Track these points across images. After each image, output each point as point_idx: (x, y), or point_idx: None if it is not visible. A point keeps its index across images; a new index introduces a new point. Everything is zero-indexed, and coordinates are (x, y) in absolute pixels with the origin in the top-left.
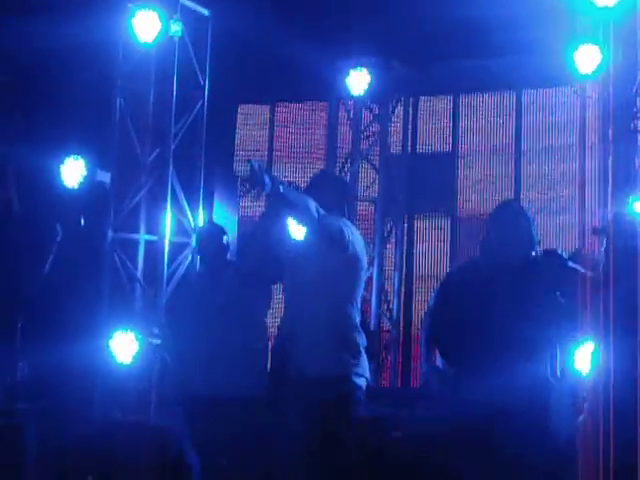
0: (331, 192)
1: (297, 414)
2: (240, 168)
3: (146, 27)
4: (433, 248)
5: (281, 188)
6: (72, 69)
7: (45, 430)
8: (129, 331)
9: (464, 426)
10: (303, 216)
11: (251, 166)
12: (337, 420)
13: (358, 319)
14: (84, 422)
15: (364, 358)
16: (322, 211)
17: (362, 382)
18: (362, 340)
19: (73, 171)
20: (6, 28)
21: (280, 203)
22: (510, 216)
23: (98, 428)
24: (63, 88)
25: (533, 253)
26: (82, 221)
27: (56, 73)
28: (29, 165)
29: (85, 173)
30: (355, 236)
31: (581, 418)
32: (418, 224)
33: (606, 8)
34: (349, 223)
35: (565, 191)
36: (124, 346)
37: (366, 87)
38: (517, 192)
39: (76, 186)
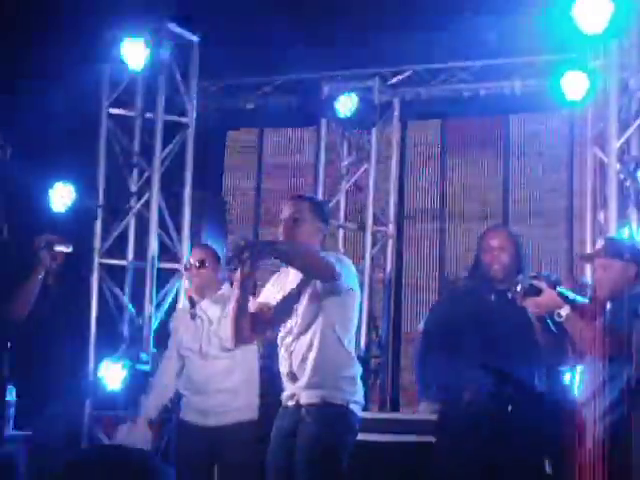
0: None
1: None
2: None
3: (134, 54)
4: (422, 273)
5: (276, 247)
6: (59, 94)
7: (34, 457)
8: (117, 358)
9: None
10: (311, 267)
11: (235, 247)
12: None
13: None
14: (72, 449)
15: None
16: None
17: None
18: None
19: (62, 196)
20: None
21: (282, 260)
22: (498, 240)
23: (84, 454)
24: (50, 113)
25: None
26: (70, 248)
27: (43, 98)
28: (17, 192)
29: (74, 198)
30: (346, 267)
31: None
32: (407, 249)
33: (594, 35)
34: (340, 255)
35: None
36: (112, 373)
37: (354, 110)
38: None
39: (64, 210)
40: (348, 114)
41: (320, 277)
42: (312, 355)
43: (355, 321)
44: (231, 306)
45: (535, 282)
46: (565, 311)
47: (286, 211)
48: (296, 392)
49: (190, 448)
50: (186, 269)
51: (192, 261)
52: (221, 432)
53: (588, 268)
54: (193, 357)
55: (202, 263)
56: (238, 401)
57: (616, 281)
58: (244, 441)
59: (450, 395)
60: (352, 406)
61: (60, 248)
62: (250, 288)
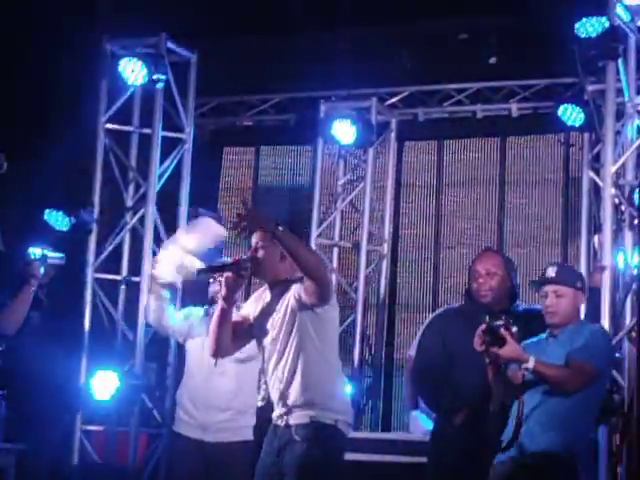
0: None
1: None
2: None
3: (131, 72)
4: (416, 294)
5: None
6: (56, 109)
7: (23, 471)
8: (109, 370)
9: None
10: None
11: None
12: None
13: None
14: (62, 464)
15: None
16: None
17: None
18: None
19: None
20: None
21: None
22: (487, 265)
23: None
24: (47, 126)
25: (517, 302)
26: (63, 260)
27: (40, 112)
28: (12, 204)
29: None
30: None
31: None
32: (401, 270)
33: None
34: None
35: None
36: (103, 385)
37: (351, 137)
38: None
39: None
40: (349, 141)
41: (315, 283)
42: (298, 375)
43: (337, 333)
44: (215, 315)
45: (501, 331)
46: (531, 364)
47: (253, 240)
48: (285, 412)
49: (185, 462)
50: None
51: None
52: (218, 449)
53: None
54: (201, 367)
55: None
56: (241, 420)
57: (568, 308)
58: (239, 460)
59: (442, 417)
60: (341, 425)
61: (53, 261)
62: (234, 299)
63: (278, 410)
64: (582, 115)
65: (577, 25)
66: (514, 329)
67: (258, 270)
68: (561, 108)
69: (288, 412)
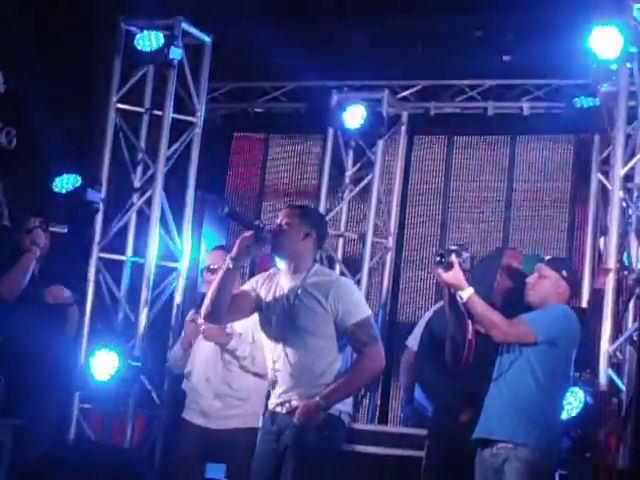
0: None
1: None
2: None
3: (147, 42)
4: (419, 285)
5: None
6: (68, 86)
7: (19, 448)
8: (109, 351)
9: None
10: None
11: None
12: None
13: None
14: (56, 441)
15: None
16: None
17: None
18: None
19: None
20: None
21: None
22: (494, 268)
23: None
24: (57, 104)
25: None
26: (65, 229)
27: (50, 87)
28: (20, 179)
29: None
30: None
31: None
32: (405, 264)
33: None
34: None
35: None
36: (103, 365)
37: (362, 122)
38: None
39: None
40: (356, 125)
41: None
42: (307, 365)
43: None
44: (217, 279)
45: (452, 256)
46: (466, 294)
47: (278, 219)
48: (289, 400)
49: (187, 448)
50: (209, 270)
51: (210, 264)
52: (221, 436)
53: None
54: (205, 354)
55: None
56: (245, 407)
57: (546, 290)
58: (243, 447)
59: (444, 412)
60: (343, 416)
61: (55, 228)
62: (241, 265)
63: (281, 397)
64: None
65: (592, 29)
66: (464, 256)
67: (278, 242)
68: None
69: (292, 399)
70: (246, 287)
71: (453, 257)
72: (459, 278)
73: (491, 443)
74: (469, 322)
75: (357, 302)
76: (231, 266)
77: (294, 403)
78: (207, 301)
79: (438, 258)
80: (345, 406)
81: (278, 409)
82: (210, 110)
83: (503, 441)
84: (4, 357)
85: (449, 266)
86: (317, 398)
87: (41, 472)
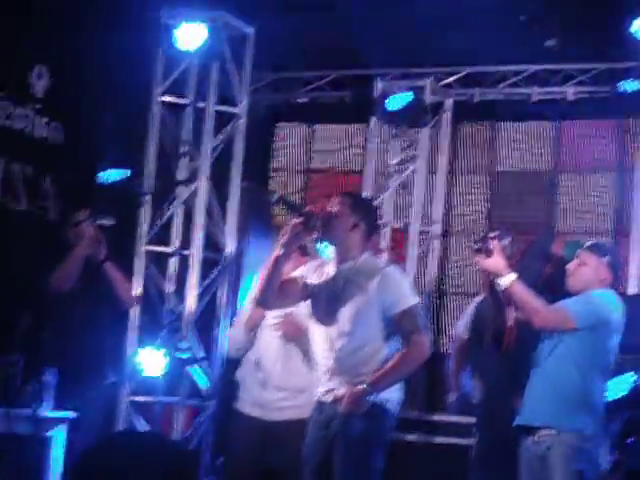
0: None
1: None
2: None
3: (189, 40)
4: (466, 272)
5: None
6: (111, 80)
7: (71, 441)
8: (157, 346)
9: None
10: None
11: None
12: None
13: None
14: (106, 432)
15: None
16: None
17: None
18: None
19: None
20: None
21: None
22: (542, 255)
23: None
24: (102, 97)
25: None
26: (112, 221)
27: (96, 82)
28: (67, 174)
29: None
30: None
31: None
32: (451, 251)
33: None
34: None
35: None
36: (152, 360)
37: (405, 106)
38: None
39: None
40: (397, 107)
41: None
42: (354, 353)
43: None
44: (268, 262)
45: (492, 243)
46: (506, 281)
47: (328, 207)
48: (335, 388)
49: (242, 440)
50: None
51: None
52: (277, 428)
53: None
54: (271, 345)
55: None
56: (300, 398)
57: (586, 277)
58: (299, 439)
59: (495, 401)
60: (389, 405)
61: (102, 221)
62: (291, 252)
63: (326, 385)
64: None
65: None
66: (505, 242)
67: (327, 230)
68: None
69: (338, 388)
70: (296, 274)
71: (493, 243)
72: (499, 264)
73: (533, 430)
74: (510, 309)
75: (403, 290)
76: (280, 252)
77: (340, 392)
78: (257, 287)
79: (478, 245)
80: (391, 394)
81: (325, 398)
82: (254, 101)
83: (545, 427)
84: (57, 348)
85: (489, 253)
86: (363, 385)
87: (89, 463)
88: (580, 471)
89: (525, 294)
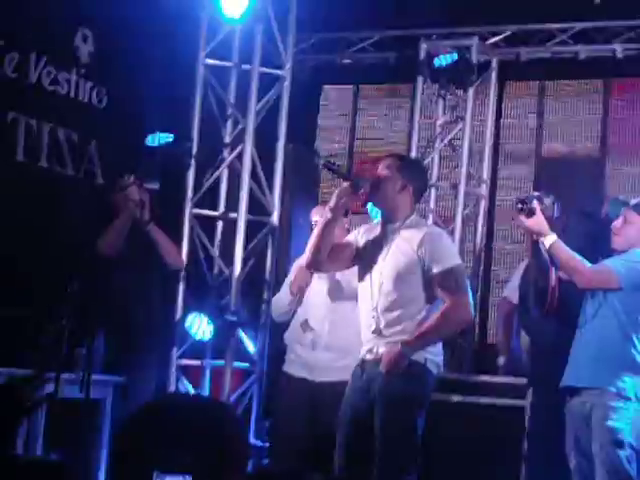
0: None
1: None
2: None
3: (232, 4)
4: (514, 233)
5: None
6: (156, 43)
7: (120, 405)
8: (204, 312)
9: None
10: None
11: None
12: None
13: None
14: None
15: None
16: None
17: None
18: None
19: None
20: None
21: None
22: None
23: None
24: (146, 61)
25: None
26: (157, 185)
27: (140, 46)
28: (112, 139)
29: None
30: None
31: None
32: (499, 211)
33: None
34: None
35: None
36: (200, 324)
37: (451, 63)
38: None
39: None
40: (443, 66)
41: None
42: (398, 314)
43: None
44: (318, 225)
45: (534, 203)
46: (549, 241)
47: (376, 169)
48: (377, 346)
49: (291, 402)
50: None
51: (312, 220)
52: (323, 389)
53: None
54: (319, 307)
55: None
56: (346, 359)
57: (631, 235)
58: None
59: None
60: (429, 364)
61: (149, 185)
62: (340, 215)
63: (369, 344)
64: None
65: None
66: (547, 202)
67: (375, 193)
68: None
69: (380, 346)
70: (349, 238)
71: (535, 203)
72: (541, 224)
73: (578, 391)
74: (552, 269)
75: (446, 250)
76: (330, 216)
77: (380, 350)
78: (308, 250)
79: (520, 205)
80: (432, 355)
81: (367, 356)
82: (298, 62)
83: (590, 388)
84: (105, 314)
85: (531, 213)
86: (400, 344)
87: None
88: (619, 431)
89: (567, 254)
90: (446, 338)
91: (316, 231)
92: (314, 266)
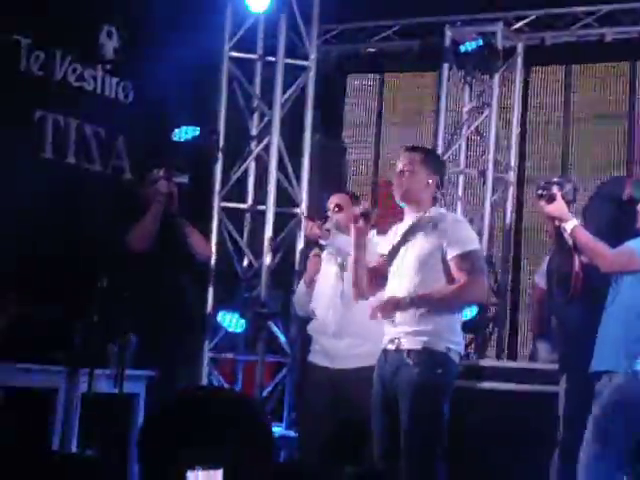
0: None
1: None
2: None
3: None
4: (543, 222)
5: None
6: (179, 36)
7: (152, 399)
8: (234, 308)
9: None
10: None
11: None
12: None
13: None
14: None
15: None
16: None
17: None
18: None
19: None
20: None
21: None
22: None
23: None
24: (171, 56)
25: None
26: (187, 178)
27: (165, 40)
28: (139, 134)
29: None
30: None
31: None
32: (527, 197)
33: None
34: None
35: None
36: (231, 317)
37: (476, 49)
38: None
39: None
40: (469, 50)
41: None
42: None
43: None
44: (350, 265)
45: (554, 188)
46: (570, 225)
47: (399, 163)
48: (398, 336)
49: (314, 391)
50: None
51: (330, 205)
52: (345, 376)
53: None
54: (324, 294)
55: (339, 207)
56: (367, 346)
57: None
58: (366, 387)
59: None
60: (451, 353)
61: (178, 179)
62: (365, 244)
63: (390, 334)
64: None
65: None
66: (567, 187)
67: (402, 190)
68: None
69: (401, 336)
70: (383, 249)
71: (555, 189)
72: (562, 210)
73: (602, 375)
74: (575, 254)
75: (465, 235)
76: (354, 253)
77: (403, 341)
78: (352, 284)
79: (540, 191)
80: (454, 344)
81: (389, 346)
82: (323, 52)
83: (616, 372)
84: (137, 309)
85: (552, 198)
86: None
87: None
88: (623, 406)
89: (589, 238)
90: (450, 310)
91: (351, 269)
92: (361, 297)
